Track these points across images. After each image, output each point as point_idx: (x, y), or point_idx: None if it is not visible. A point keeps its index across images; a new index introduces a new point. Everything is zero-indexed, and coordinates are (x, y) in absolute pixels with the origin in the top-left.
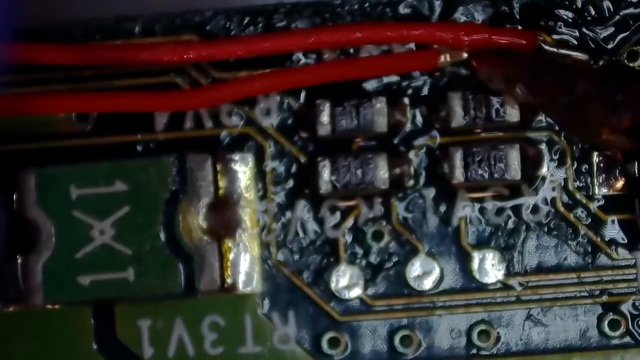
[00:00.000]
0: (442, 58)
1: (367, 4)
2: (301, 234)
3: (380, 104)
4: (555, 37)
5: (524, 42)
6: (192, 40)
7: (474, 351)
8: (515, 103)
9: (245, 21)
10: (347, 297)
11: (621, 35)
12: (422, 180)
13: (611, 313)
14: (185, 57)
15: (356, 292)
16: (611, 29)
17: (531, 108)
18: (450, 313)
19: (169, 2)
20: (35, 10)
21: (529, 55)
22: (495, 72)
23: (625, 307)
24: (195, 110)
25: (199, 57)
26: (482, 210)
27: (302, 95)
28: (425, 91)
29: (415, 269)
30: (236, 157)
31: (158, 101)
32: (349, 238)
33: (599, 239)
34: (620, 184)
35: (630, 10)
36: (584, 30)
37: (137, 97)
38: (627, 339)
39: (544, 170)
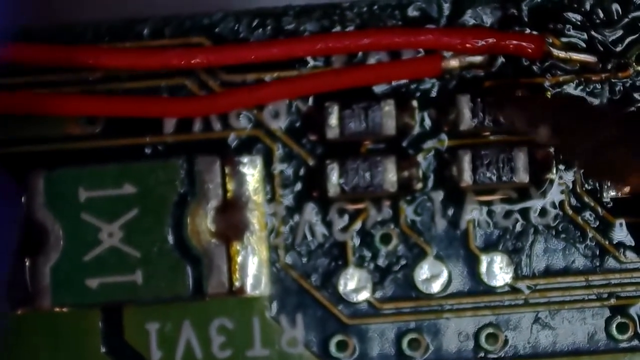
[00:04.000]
0: (449, 63)
1: (375, 7)
2: (309, 237)
3: (389, 106)
4: (563, 40)
5: (533, 45)
6: (201, 43)
7: (482, 354)
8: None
9: (254, 23)
10: (355, 300)
11: (630, 38)
12: (430, 183)
13: (619, 316)
14: (193, 62)
15: (364, 295)
16: (620, 32)
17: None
18: (458, 316)
19: (177, 4)
20: (45, 11)
21: (552, 97)
22: (518, 114)
23: (634, 310)
24: (203, 116)
25: (207, 62)
26: (490, 213)
27: (311, 98)
28: (433, 94)
29: (423, 272)
30: (244, 159)
31: (166, 107)
32: (357, 241)
33: (607, 242)
34: (628, 187)
35: (639, 12)
36: (593, 33)
37: (145, 103)
38: (635, 342)
39: (552, 173)
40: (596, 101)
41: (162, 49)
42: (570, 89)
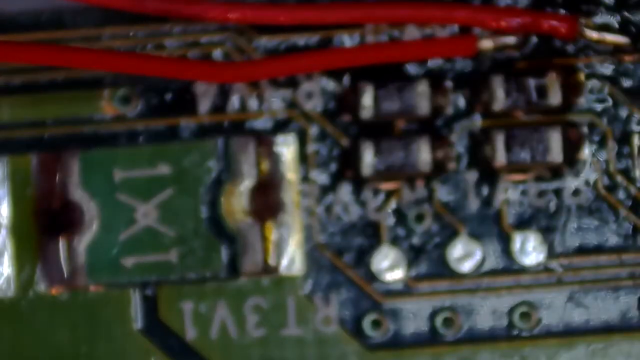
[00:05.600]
0: (484, 44)
1: None
2: (343, 216)
3: (423, 86)
4: (596, 21)
5: (566, 26)
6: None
7: (515, 332)
8: (557, 86)
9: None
10: (389, 279)
11: None
12: (464, 163)
13: None
14: (228, 16)
15: (398, 274)
16: None
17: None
18: (491, 295)
19: None
20: None
21: None
22: None
23: None
24: (235, 83)
25: (242, 18)
26: (523, 193)
27: (345, 78)
28: (467, 75)
29: (457, 251)
30: (279, 139)
31: (198, 70)
32: (391, 220)
33: (639, 221)
34: None
35: None
36: (626, 14)
37: (178, 64)
38: None
39: (585, 152)
40: (629, 82)
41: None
42: (602, 69)
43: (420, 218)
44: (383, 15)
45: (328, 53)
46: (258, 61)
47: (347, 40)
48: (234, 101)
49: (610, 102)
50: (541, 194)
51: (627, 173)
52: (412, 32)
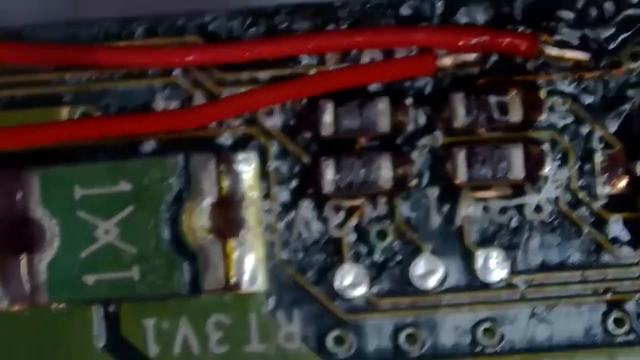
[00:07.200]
0: (443, 61)
1: (368, 5)
2: (305, 234)
3: (383, 104)
4: (556, 37)
5: (526, 43)
6: (194, 42)
7: (479, 349)
8: (518, 103)
9: (247, 23)
10: (351, 295)
11: (623, 36)
12: (425, 180)
13: (615, 311)
14: (186, 60)
15: (360, 290)
16: (613, 30)
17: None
18: (454, 311)
19: (171, 3)
20: (41, 9)
21: None
22: None
23: (630, 305)
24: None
25: (200, 60)
26: (485, 209)
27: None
28: (427, 92)
29: (419, 267)
30: (240, 157)
31: (157, 122)
32: (352, 237)
33: (602, 238)
34: (623, 182)
35: (632, 10)
36: (586, 31)
37: (133, 120)
38: (632, 337)
39: (547, 169)
40: (590, 99)
41: (155, 47)
42: (563, 86)
43: (382, 235)
44: (341, 44)
45: (286, 85)
46: (217, 103)
47: (306, 58)
48: None
49: (571, 119)
50: (503, 210)
51: (588, 190)
52: (371, 52)
